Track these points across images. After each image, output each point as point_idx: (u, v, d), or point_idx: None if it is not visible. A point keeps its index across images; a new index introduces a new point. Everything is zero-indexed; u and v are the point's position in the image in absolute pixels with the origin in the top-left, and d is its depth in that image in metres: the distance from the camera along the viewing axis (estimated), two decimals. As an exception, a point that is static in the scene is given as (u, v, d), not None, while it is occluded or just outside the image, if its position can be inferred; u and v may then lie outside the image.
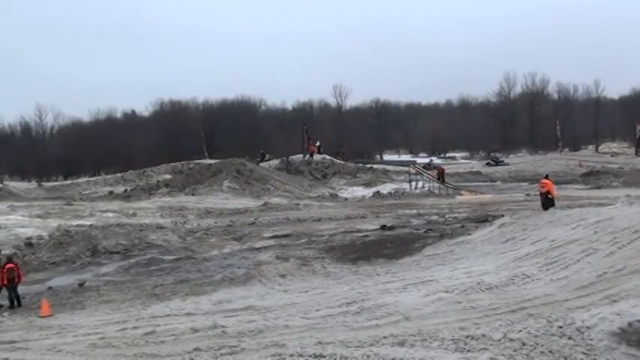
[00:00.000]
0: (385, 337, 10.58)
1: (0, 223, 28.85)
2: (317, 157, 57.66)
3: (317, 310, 13.29)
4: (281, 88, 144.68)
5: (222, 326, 12.35)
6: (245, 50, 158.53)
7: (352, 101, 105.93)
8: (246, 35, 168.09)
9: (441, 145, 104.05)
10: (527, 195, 36.49)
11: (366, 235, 24.60)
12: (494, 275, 14.44)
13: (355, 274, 17.67)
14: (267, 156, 60.39)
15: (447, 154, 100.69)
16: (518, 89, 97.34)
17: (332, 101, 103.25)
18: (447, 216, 29.26)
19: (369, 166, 58.52)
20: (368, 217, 30.09)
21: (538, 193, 26.52)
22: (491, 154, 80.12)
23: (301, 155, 58.25)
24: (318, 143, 59.15)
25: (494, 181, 53.82)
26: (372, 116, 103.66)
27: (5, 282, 16.49)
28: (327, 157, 58.41)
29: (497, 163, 69.63)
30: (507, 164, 68.21)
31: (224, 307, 14.65)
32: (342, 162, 58.32)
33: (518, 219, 21.94)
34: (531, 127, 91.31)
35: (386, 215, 30.54)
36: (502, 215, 25.11)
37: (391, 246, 21.78)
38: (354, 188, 47.20)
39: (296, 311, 13.43)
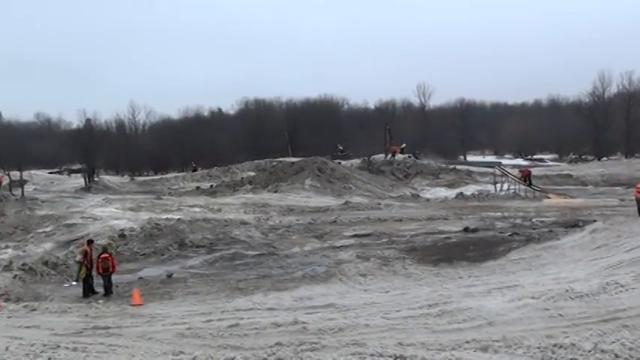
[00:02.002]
0: (468, 342, 10.38)
1: (96, 214, 30.36)
2: (399, 157, 57.24)
3: (397, 311, 13.22)
4: (364, 87, 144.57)
5: (303, 322, 12.49)
6: (329, 50, 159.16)
7: (436, 101, 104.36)
8: (330, 36, 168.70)
9: (528, 146, 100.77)
10: (622, 200, 34.82)
11: (449, 237, 24.24)
12: (584, 283, 13.86)
13: (437, 276, 17.48)
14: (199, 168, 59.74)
15: (535, 156, 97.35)
16: (613, 89, 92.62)
17: (415, 101, 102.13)
18: (533, 220, 28.32)
19: (452, 166, 57.55)
20: (450, 219, 29.58)
21: (634, 198, 25.25)
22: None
23: (383, 155, 58.04)
24: (403, 145, 58.64)
25: (586, 185, 51.54)
26: (456, 116, 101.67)
27: (101, 271, 17.39)
28: (410, 157, 57.86)
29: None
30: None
31: (305, 303, 14.83)
32: (425, 162, 57.62)
33: (612, 225, 21.00)
34: (627, 128, 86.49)
35: (469, 217, 29.91)
36: (594, 221, 24.09)
37: (474, 249, 21.37)
38: (437, 189, 46.54)
39: (376, 311, 13.40)
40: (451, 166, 57.38)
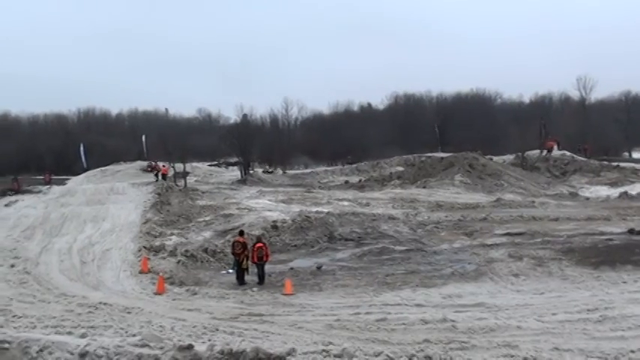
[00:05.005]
0: (632, 352, 9.73)
1: (250, 206, 31.90)
2: (556, 153, 54.40)
3: (553, 314, 12.66)
4: (518, 80, 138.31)
5: (452, 321, 12.33)
6: (482, 43, 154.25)
7: (598, 94, 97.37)
8: (483, 29, 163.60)
9: None
10: None
11: (611, 239, 22.61)
12: None
13: (597, 279, 16.48)
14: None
15: None
16: None
17: (574, 94, 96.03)
18: None
19: (615, 164, 53.65)
20: (613, 220, 27.58)
21: None
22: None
23: (538, 151, 55.50)
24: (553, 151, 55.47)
25: None
26: (621, 110, 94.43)
27: (255, 260, 18.25)
28: (567, 153, 54.76)
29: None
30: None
31: (454, 301, 14.62)
32: (584, 159, 54.29)
33: None
34: None
35: (634, 218, 27.67)
36: None
37: (641, 252, 19.78)
38: (597, 187, 43.59)
39: (530, 313, 12.93)
40: (614, 164, 53.53)
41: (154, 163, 53.81)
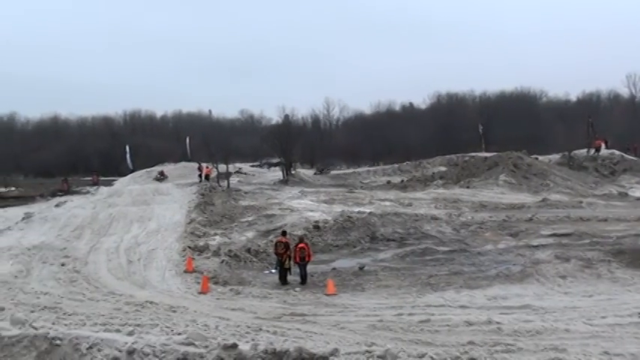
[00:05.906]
0: (686, 357, 9.38)
1: (293, 206, 32.04)
2: (604, 152, 53.05)
3: (602, 317, 12.38)
4: (564, 78, 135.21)
5: (498, 323, 12.15)
6: (526, 40, 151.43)
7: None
8: (528, 25, 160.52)
9: None
10: None
11: (663, 241, 21.95)
12: None
13: (649, 282, 16.00)
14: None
15: None
16: None
17: (624, 91, 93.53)
18: None
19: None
20: (665, 220, 26.76)
21: None
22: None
23: (585, 150, 54.23)
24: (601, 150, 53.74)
25: None
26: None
27: (297, 260, 18.33)
28: (617, 152, 53.33)
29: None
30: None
31: (499, 303, 14.43)
32: (634, 158, 52.77)
33: None
34: None
35: (688, 219, 26.84)
36: None
37: (696, 254, 19.13)
38: (649, 187, 42.35)
39: (578, 316, 12.66)
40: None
41: (163, 171, 54.21)
